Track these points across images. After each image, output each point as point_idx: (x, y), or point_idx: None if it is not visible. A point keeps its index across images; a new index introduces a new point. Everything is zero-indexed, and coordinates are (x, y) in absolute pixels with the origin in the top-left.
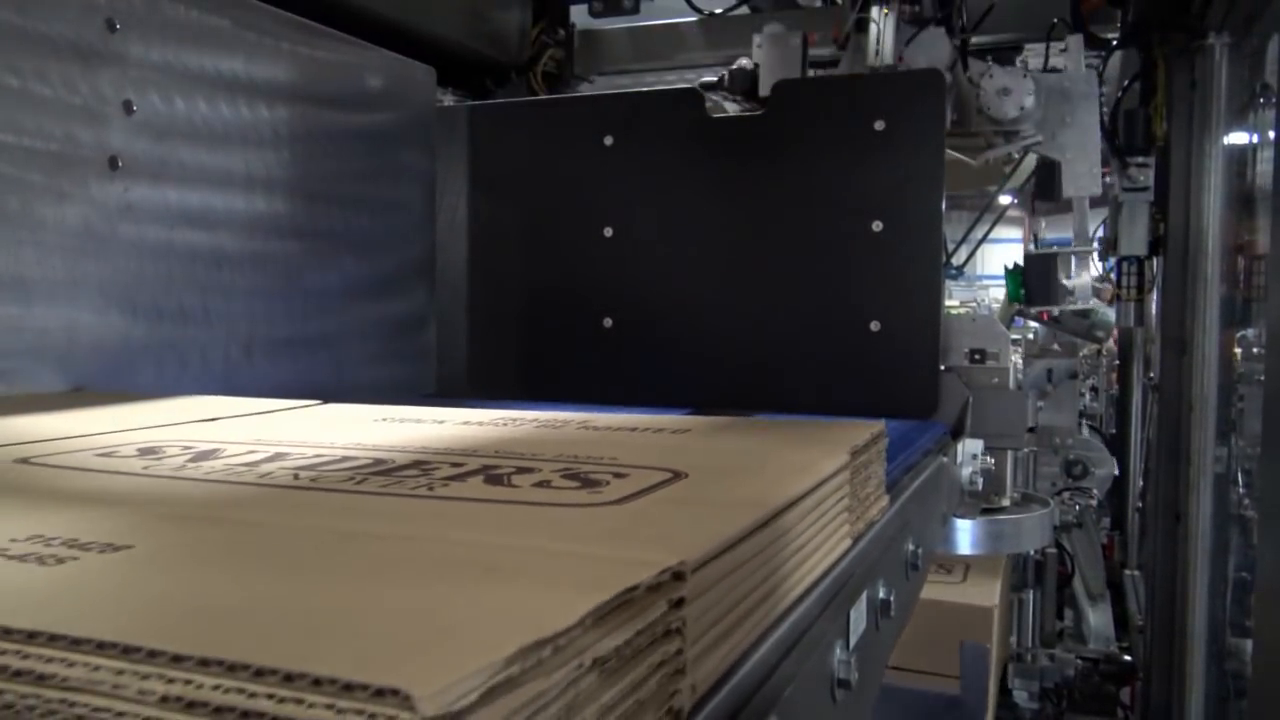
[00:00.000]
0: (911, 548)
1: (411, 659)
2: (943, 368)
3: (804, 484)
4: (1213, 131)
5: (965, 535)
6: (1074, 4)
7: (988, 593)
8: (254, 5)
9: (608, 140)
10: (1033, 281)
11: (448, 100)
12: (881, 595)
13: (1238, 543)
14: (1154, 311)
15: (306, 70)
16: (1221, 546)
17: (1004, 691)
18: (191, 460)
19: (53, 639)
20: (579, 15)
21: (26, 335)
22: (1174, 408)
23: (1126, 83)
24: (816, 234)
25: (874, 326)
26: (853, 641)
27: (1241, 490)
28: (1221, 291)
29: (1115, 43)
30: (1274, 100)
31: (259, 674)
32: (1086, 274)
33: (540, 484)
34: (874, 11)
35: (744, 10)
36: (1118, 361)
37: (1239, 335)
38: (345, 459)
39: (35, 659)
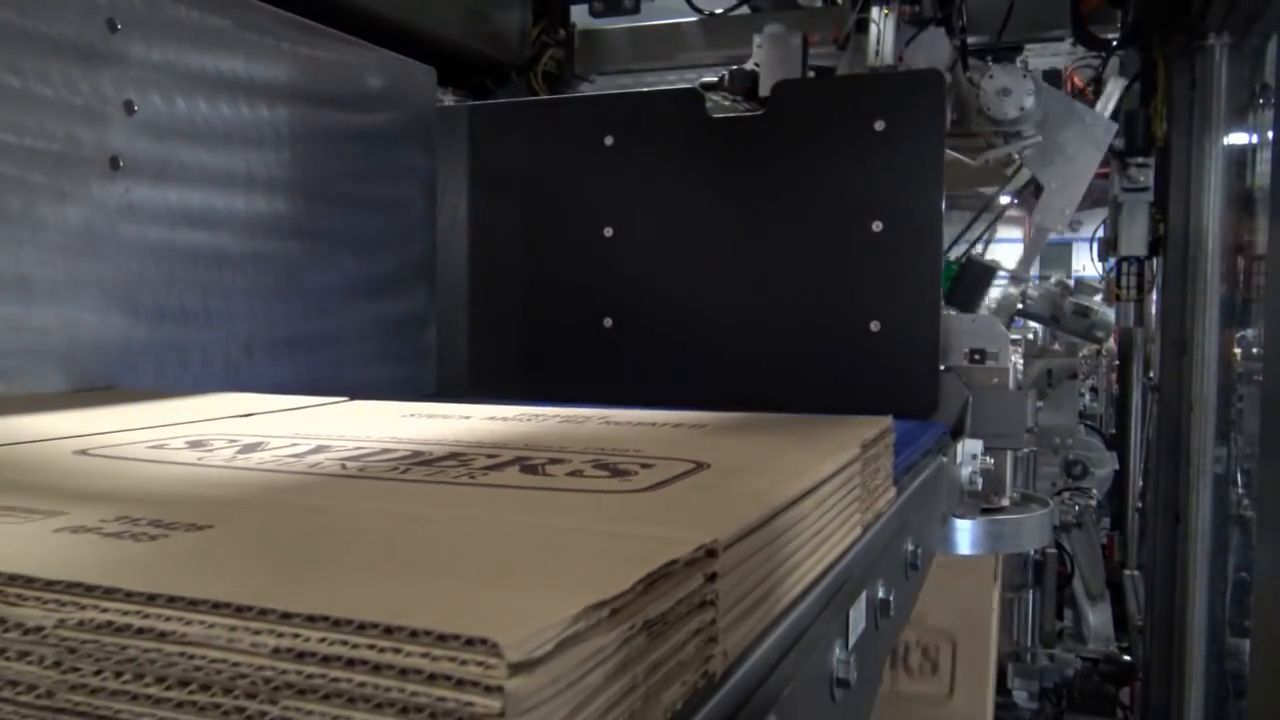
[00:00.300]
0: (911, 547)
1: (494, 615)
2: (943, 368)
3: (819, 474)
4: (1213, 131)
5: (965, 535)
6: (1074, 4)
7: (979, 708)
8: (254, 5)
9: (608, 140)
10: (965, 283)
11: (448, 100)
12: (881, 595)
13: (1237, 543)
14: (1154, 311)
15: (307, 70)
16: (1221, 546)
17: (1003, 691)
18: (240, 452)
19: (171, 600)
20: (579, 15)
21: (27, 335)
22: (1174, 408)
23: (1127, 83)
24: (816, 234)
25: (874, 326)
26: (852, 641)
27: (1241, 490)
28: (1221, 291)
29: (1115, 43)
30: (1274, 100)
31: (361, 628)
32: (1014, 292)
33: (573, 473)
34: (874, 12)
35: (744, 10)
36: (1118, 361)
37: (1239, 335)
38: (385, 451)
39: (155, 618)
